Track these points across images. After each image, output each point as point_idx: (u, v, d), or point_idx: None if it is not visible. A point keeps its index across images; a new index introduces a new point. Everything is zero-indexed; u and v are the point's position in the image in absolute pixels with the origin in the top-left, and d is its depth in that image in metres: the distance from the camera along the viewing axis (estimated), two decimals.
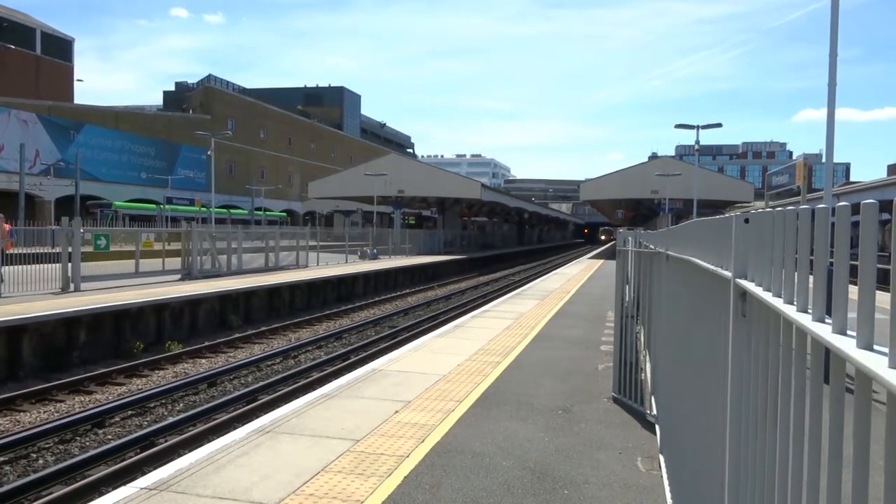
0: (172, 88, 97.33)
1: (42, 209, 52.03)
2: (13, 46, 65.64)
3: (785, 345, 1.50)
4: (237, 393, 10.71)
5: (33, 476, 7.04)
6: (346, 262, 32.83)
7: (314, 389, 8.54)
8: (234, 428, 7.52)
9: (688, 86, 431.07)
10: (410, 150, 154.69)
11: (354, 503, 4.55)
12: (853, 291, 1.08)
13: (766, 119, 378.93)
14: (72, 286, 16.66)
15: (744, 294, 2.00)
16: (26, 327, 12.15)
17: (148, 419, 9.60)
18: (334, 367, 12.77)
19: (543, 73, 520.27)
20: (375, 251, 37.11)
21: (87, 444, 8.49)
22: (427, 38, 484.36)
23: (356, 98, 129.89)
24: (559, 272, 31.33)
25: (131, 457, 7.75)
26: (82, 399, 10.73)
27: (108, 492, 5.25)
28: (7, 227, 15.97)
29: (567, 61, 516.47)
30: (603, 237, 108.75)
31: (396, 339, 15.95)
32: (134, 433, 8.61)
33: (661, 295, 5.58)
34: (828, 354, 1.19)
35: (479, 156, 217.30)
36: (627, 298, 7.78)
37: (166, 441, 8.32)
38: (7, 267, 15.49)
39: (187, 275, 21.05)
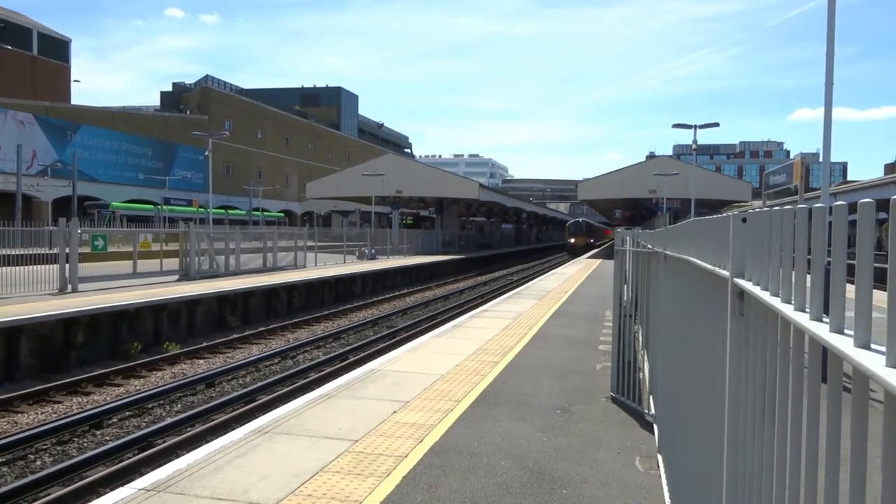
0: (169, 89, 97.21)
1: (39, 210, 51.95)
2: (10, 47, 65.53)
3: (782, 344, 1.50)
4: (235, 394, 10.70)
5: (31, 477, 7.03)
6: (345, 262, 32.81)
7: (312, 390, 8.53)
8: (233, 429, 7.52)
9: (685, 85, 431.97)
10: (408, 150, 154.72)
11: None
12: (850, 290, 1.08)
13: (763, 118, 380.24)
14: (69, 287, 16.64)
15: (741, 293, 2.00)
16: (23, 328, 12.13)
17: (146, 420, 9.60)
18: (332, 368, 12.76)
19: (541, 72, 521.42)
20: (373, 251, 37.12)
21: (85, 444, 8.48)
22: (424, 38, 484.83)
23: (353, 98, 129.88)
24: (557, 272, 31.33)
25: (129, 458, 7.74)
26: (80, 400, 10.72)
27: (107, 493, 5.24)
28: None
29: (564, 60, 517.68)
30: (572, 240, 62.53)
31: (395, 340, 15.94)
32: (132, 434, 8.60)
33: (659, 294, 5.58)
34: (825, 353, 1.19)
35: (477, 156, 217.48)
36: (626, 298, 7.78)
37: (164, 442, 8.32)
38: (4, 268, 15.46)
39: (185, 275, 21.03)
